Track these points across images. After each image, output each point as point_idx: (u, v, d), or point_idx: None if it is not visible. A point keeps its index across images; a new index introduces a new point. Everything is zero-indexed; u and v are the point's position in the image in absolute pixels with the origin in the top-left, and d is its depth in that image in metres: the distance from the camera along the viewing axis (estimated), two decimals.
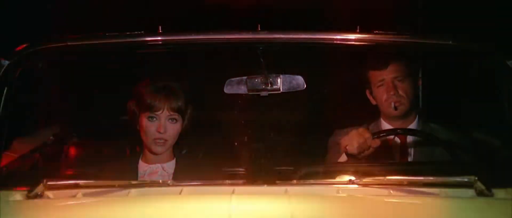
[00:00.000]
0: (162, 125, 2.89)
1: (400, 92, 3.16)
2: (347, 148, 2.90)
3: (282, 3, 4.65)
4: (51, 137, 3.48)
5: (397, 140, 3.20)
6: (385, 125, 3.24)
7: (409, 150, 3.17)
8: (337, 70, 3.72)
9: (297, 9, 4.53)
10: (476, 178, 2.46)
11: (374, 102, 3.28)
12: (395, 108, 3.16)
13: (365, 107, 3.36)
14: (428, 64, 3.33)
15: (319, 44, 2.90)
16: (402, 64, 3.18)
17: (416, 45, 3.01)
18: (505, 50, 2.86)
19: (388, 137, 3.08)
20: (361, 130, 2.95)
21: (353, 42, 2.87)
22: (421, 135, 3.12)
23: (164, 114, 2.91)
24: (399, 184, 2.51)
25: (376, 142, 2.94)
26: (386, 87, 3.17)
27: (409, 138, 3.20)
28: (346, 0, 4.61)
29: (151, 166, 2.98)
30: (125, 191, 2.49)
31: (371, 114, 3.29)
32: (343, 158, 2.92)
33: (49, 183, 2.50)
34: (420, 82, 3.23)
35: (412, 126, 3.23)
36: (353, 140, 2.89)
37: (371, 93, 3.27)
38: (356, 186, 2.50)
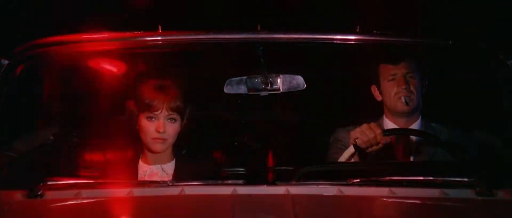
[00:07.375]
0: (161, 124, 2.89)
1: (411, 88, 3.16)
2: (357, 140, 2.89)
3: None
4: (51, 137, 3.48)
5: (399, 139, 3.19)
6: (388, 123, 3.23)
7: (410, 149, 3.17)
8: (337, 69, 3.72)
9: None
10: (477, 179, 2.46)
11: (379, 99, 3.27)
12: (406, 103, 3.15)
13: (367, 106, 3.35)
14: (428, 64, 3.32)
15: (319, 43, 2.90)
16: (414, 62, 3.19)
17: (417, 45, 3.01)
18: (505, 50, 2.86)
19: (390, 136, 3.07)
20: (373, 124, 2.94)
21: (352, 42, 2.87)
22: (430, 137, 3.11)
23: (163, 114, 2.90)
24: (399, 184, 2.51)
25: (386, 139, 2.94)
26: (398, 82, 3.16)
27: (411, 138, 3.19)
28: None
29: (151, 167, 2.97)
30: (125, 191, 2.49)
31: (373, 112, 3.28)
32: (350, 150, 2.91)
33: (49, 183, 2.50)
34: (427, 82, 3.22)
35: (415, 125, 3.22)
36: (364, 133, 2.89)
37: (378, 88, 3.26)
38: (356, 186, 2.50)
